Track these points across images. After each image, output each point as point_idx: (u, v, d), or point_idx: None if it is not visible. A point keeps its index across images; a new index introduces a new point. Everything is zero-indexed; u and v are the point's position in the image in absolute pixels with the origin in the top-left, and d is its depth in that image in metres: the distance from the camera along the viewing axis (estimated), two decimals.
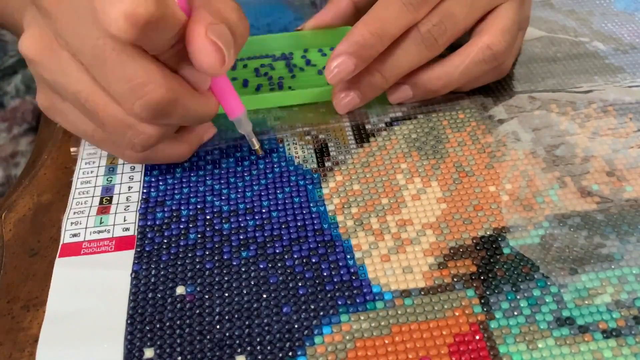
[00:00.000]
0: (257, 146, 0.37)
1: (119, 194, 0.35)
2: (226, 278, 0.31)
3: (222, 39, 0.29)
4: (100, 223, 0.34)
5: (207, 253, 0.32)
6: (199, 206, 0.34)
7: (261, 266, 0.31)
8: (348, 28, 0.43)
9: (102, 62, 0.28)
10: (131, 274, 0.31)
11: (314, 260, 0.31)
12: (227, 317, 0.29)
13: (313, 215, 0.34)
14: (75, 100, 0.31)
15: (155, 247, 0.32)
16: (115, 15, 0.26)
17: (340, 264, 0.31)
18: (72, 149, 0.38)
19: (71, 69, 0.30)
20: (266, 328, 0.29)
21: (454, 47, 0.38)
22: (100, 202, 0.35)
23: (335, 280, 0.30)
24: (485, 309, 0.29)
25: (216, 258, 0.32)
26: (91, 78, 0.30)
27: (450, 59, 0.38)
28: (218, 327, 0.29)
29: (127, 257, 0.32)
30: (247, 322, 0.29)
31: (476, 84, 0.41)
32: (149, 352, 0.28)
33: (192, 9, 0.29)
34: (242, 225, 0.33)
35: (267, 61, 0.45)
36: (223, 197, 0.35)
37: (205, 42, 0.28)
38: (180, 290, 0.30)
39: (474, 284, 0.30)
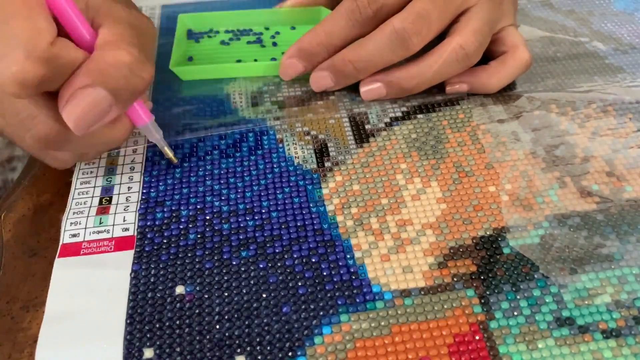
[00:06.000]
0: (170, 155, 0.36)
1: (119, 194, 0.35)
2: (226, 278, 0.31)
3: (79, 111, 0.28)
4: (100, 223, 0.34)
5: (207, 253, 0.32)
6: (198, 206, 0.34)
7: (261, 266, 0.31)
8: (321, 8, 0.47)
9: None
10: (131, 274, 0.31)
11: (313, 260, 0.31)
12: (226, 317, 0.29)
13: (313, 216, 0.34)
14: None
15: (155, 247, 0.32)
16: (8, 80, 0.26)
17: (340, 263, 0.31)
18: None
19: None
20: (266, 328, 0.29)
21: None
22: (100, 203, 0.35)
23: (335, 280, 0.30)
24: (485, 309, 0.29)
25: (216, 258, 0.32)
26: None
27: (424, 59, 0.39)
28: (218, 327, 0.29)
29: (127, 257, 0.32)
30: (246, 322, 0.29)
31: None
32: (148, 352, 0.28)
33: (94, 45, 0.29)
34: (241, 225, 0.33)
35: (249, 38, 0.47)
36: (223, 198, 0.35)
37: (64, 111, 0.28)
38: (179, 290, 0.30)
39: (474, 284, 0.30)
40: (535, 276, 0.30)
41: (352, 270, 0.31)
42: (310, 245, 0.32)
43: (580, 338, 0.28)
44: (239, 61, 0.44)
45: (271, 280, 0.31)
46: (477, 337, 0.28)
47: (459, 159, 0.37)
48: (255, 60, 0.44)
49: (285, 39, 0.46)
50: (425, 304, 0.29)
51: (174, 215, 0.34)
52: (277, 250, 0.32)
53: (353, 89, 0.41)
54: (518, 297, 0.29)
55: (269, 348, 0.28)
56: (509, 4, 0.42)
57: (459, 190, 0.35)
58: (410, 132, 0.39)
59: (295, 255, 0.32)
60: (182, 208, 0.34)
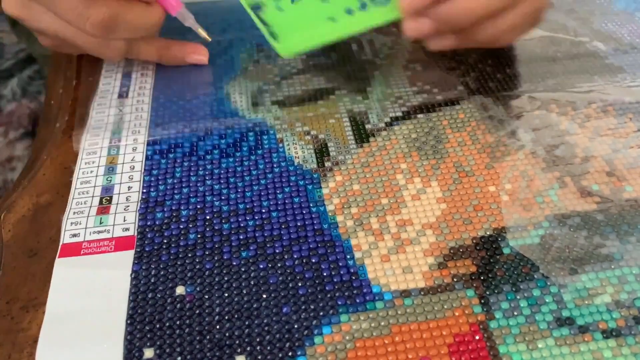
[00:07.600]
0: (204, 34, 0.42)
1: (119, 194, 0.35)
2: (226, 278, 0.31)
3: None
4: (100, 223, 0.34)
5: (207, 253, 0.32)
6: (198, 206, 0.34)
7: (261, 266, 0.31)
8: None
9: None
10: (131, 274, 0.31)
11: (313, 260, 0.31)
12: (226, 317, 0.29)
13: (313, 216, 0.34)
14: (59, 38, 0.39)
15: (155, 247, 0.32)
16: None
17: (340, 264, 0.31)
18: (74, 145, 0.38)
19: (42, 15, 0.37)
20: (266, 328, 0.29)
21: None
22: (100, 202, 0.35)
23: (335, 280, 0.30)
24: (485, 309, 0.29)
25: (216, 258, 0.32)
26: (58, 17, 0.37)
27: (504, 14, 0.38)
28: (218, 327, 0.29)
29: (127, 257, 0.32)
30: (247, 322, 0.29)
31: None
32: (148, 352, 0.28)
33: None
34: (241, 225, 0.33)
35: None
36: (223, 197, 0.35)
37: None
38: (180, 290, 0.30)
39: (474, 284, 0.30)
40: (535, 276, 0.30)
41: (352, 270, 0.31)
42: (311, 246, 0.32)
43: (580, 338, 0.28)
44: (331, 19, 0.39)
45: (271, 281, 0.31)
46: (477, 337, 0.28)
47: (459, 158, 0.37)
48: (349, 10, 0.38)
49: None
50: (425, 304, 0.29)
51: (174, 215, 0.34)
52: (277, 251, 0.32)
53: (353, 89, 0.41)
54: (518, 297, 0.29)
55: (269, 348, 0.28)
56: None
57: (459, 190, 0.35)
58: (411, 132, 0.39)
59: (295, 256, 0.32)
60: (182, 208, 0.34)
